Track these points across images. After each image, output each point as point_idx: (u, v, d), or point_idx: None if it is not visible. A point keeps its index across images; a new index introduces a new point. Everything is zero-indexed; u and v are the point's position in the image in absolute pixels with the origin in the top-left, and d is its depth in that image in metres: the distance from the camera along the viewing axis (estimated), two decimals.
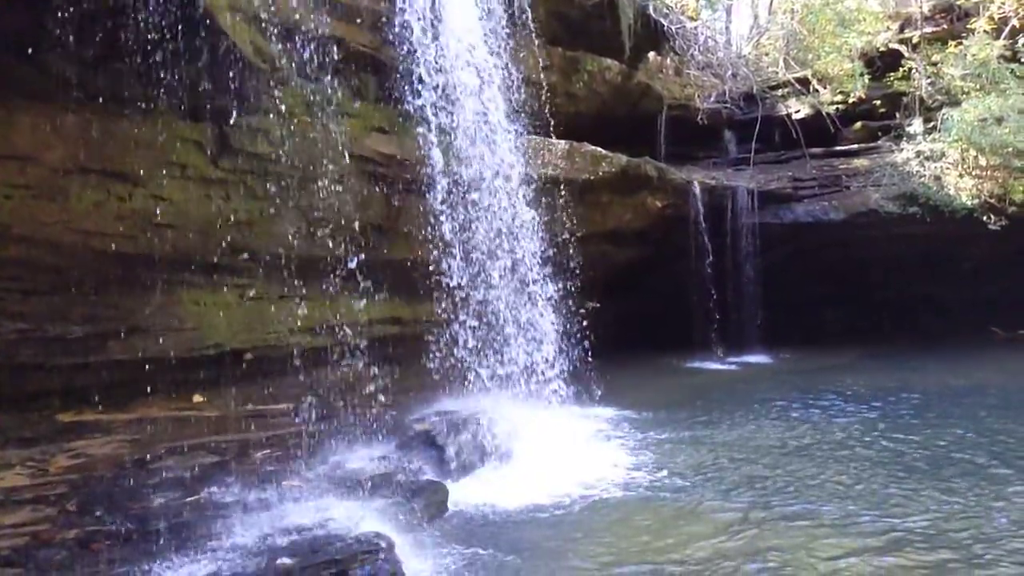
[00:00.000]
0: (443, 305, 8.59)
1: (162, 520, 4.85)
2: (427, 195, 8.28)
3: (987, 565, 4.76)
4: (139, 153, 6.41)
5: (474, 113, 8.53)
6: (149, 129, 6.33)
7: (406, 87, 8.32)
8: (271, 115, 6.91)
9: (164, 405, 7.25)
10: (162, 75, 5.90)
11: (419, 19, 8.11)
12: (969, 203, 14.38)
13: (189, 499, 5.25)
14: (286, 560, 4.24)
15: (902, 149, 15.80)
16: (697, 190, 14.73)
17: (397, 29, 8.16)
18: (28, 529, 4.69)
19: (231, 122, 6.76)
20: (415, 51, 8.12)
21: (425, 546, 5.21)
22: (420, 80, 8.18)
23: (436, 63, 8.23)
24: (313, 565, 4.18)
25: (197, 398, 7.55)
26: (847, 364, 14.51)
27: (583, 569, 4.90)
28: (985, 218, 14.23)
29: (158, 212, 6.71)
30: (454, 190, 8.37)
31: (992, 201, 14.31)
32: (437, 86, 8.24)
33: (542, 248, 9.14)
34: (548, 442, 7.81)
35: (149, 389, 7.10)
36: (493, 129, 8.74)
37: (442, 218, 8.21)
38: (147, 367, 7.01)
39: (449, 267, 8.38)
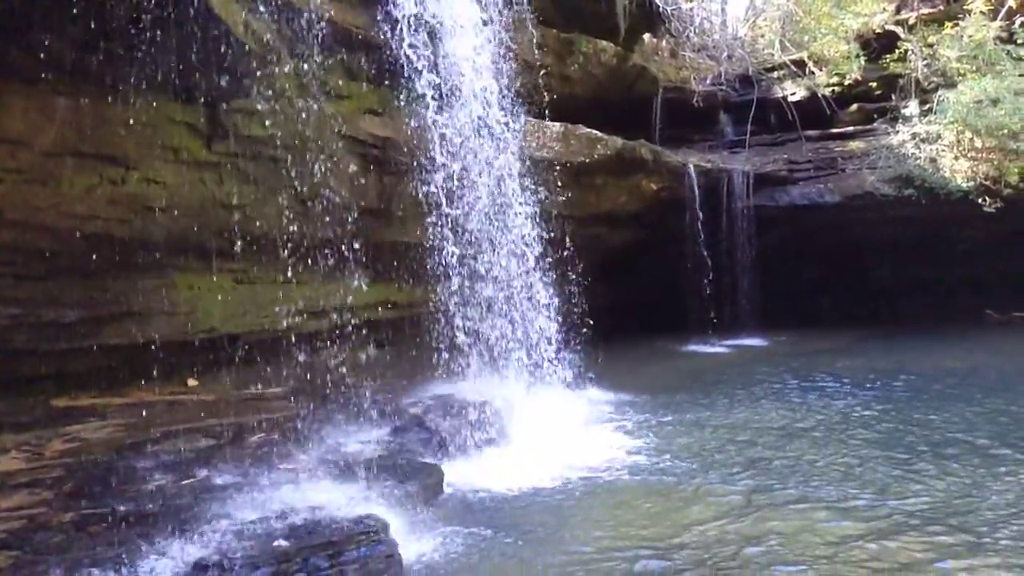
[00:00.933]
0: (438, 289, 8.58)
1: (158, 503, 4.86)
2: (422, 178, 8.24)
3: (986, 547, 4.76)
4: (131, 136, 6.35)
5: (488, 192, 8.44)
6: (141, 112, 6.27)
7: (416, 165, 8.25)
8: (264, 97, 6.86)
9: (159, 389, 7.24)
10: (153, 57, 5.85)
11: (433, 97, 7.90)
12: (964, 185, 14.39)
13: (185, 482, 5.26)
14: (282, 542, 4.25)
15: (898, 131, 15.79)
16: (692, 173, 14.71)
17: (403, 103, 8.02)
18: (24, 512, 4.70)
19: (223, 104, 6.71)
20: (429, 131, 7.98)
21: (421, 528, 5.22)
22: (434, 162, 8.06)
23: (451, 143, 8.07)
24: (309, 547, 4.19)
25: (192, 382, 7.54)
26: (843, 347, 14.54)
27: (582, 553, 4.88)
28: (980, 200, 14.25)
29: (151, 196, 6.67)
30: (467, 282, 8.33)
31: (987, 183, 14.31)
32: (452, 174, 8.10)
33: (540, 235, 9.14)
34: (545, 425, 7.83)
35: (143, 373, 7.09)
36: (508, 202, 8.69)
37: (436, 201, 8.19)
38: (141, 351, 7.00)
39: (444, 251, 8.36)
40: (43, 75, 5.59)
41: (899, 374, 10.97)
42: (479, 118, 8.25)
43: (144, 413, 6.64)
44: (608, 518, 5.50)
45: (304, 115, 7.19)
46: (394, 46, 7.66)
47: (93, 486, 5.13)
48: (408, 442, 6.84)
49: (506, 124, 8.63)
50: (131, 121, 6.23)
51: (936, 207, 14.84)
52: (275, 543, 4.24)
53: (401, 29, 7.66)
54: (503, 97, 8.69)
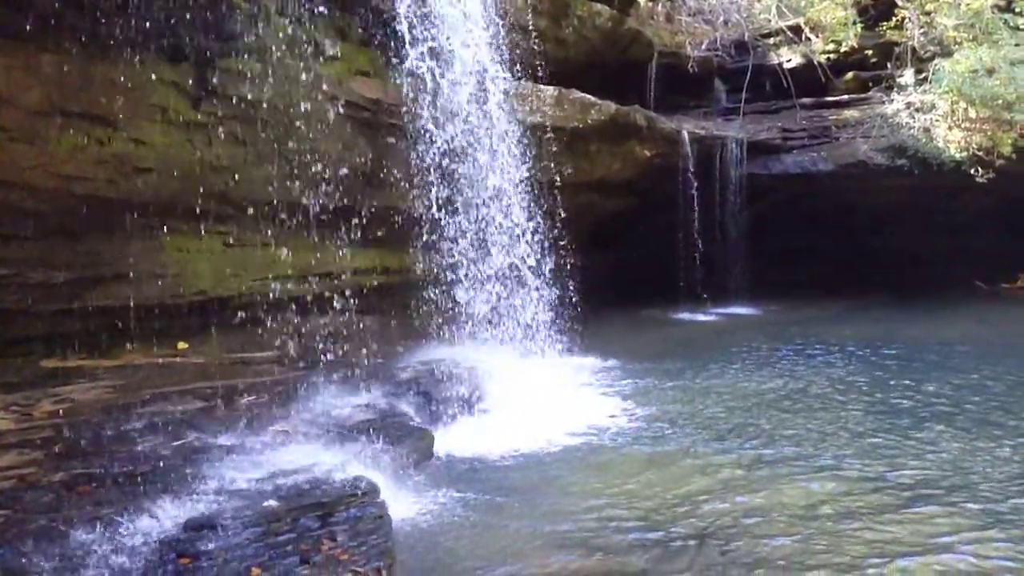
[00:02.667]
0: (430, 255, 8.56)
1: (148, 464, 4.86)
2: (413, 141, 8.17)
3: (981, 515, 4.77)
4: (118, 95, 6.26)
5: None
6: (127, 70, 6.18)
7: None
8: (252, 57, 6.75)
9: (148, 352, 7.22)
10: (140, 14, 5.75)
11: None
12: (958, 156, 14.32)
13: (175, 443, 5.26)
14: (272, 503, 4.27)
15: (892, 100, 15.68)
16: (686, 140, 14.61)
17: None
18: (14, 472, 4.70)
19: (211, 64, 6.61)
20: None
21: (411, 491, 5.25)
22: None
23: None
24: (299, 508, 4.21)
25: (181, 345, 7.52)
26: (833, 315, 14.62)
27: (576, 519, 4.86)
28: (973, 171, 14.20)
29: (139, 156, 6.59)
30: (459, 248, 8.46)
31: (980, 154, 14.24)
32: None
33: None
34: (535, 390, 7.84)
35: (133, 336, 7.07)
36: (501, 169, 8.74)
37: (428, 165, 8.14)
38: (131, 314, 6.98)
39: (436, 216, 8.32)
40: (27, 31, 5.49)
41: (891, 343, 11.03)
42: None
43: (134, 375, 6.63)
44: (602, 484, 5.48)
45: (293, 76, 7.10)
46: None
47: (83, 447, 5.13)
48: (399, 406, 6.85)
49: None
50: (117, 80, 6.14)
51: (928, 177, 14.81)
52: (265, 504, 4.26)
53: None
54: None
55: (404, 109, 8.20)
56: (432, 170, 8.16)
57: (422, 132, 8.10)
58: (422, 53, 7.94)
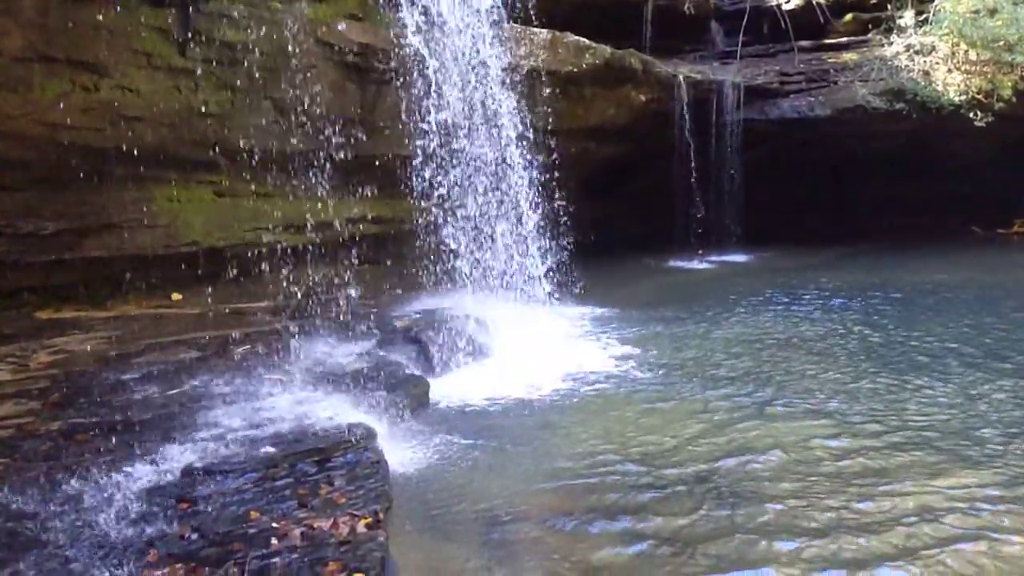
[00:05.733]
0: (424, 203, 8.48)
1: (145, 412, 4.89)
2: (405, 87, 8.04)
3: (983, 460, 4.75)
4: (103, 41, 6.14)
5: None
6: (111, 14, 6.04)
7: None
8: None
9: (142, 302, 7.22)
10: None
11: None
12: (957, 99, 14.17)
13: (171, 392, 5.29)
14: (269, 449, 4.31)
15: (892, 43, 15.44)
16: (682, 84, 14.40)
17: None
18: (12, 422, 4.73)
19: (195, 7, 6.45)
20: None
21: (407, 437, 5.29)
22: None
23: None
24: (296, 453, 4.25)
25: (175, 296, 7.51)
26: (828, 262, 14.58)
27: (572, 465, 4.85)
28: (972, 114, 14.05)
29: (125, 104, 6.48)
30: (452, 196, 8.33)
31: (980, 97, 14.10)
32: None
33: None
34: (530, 339, 7.86)
35: (126, 287, 7.06)
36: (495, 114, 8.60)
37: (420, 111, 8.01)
38: (123, 265, 6.95)
39: (429, 164, 8.24)
40: None
41: (887, 289, 11.02)
42: None
43: (129, 326, 6.64)
44: (599, 430, 5.47)
45: (279, 20, 6.95)
46: None
47: (80, 396, 5.16)
48: (394, 355, 6.87)
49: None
50: (101, 24, 6.01)
51: (927, 121, 14.67)
52: (262, 450, 4.30)
53: None
54: None
55: (395, 53, 8.03)
56: (424, 116, 8.04)
57: (413, 77, 7.95)
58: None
